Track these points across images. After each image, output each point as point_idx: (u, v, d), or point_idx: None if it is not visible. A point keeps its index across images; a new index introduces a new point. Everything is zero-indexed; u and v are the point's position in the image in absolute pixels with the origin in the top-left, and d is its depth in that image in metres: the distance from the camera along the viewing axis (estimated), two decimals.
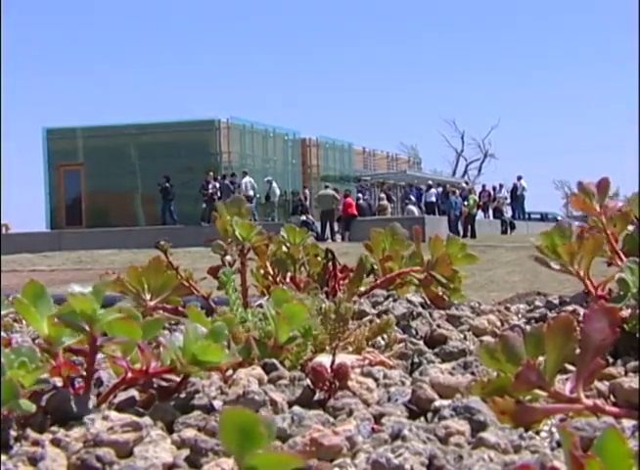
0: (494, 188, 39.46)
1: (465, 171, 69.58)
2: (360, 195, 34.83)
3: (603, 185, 2.37)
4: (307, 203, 33.42)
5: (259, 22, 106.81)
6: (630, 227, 2.37)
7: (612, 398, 1.54)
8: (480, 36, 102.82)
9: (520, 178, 38.25)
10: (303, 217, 30.25)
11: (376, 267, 2.47)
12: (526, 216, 41.27)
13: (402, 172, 46.67)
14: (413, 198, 38.08)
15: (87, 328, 1.43)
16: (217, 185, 31.55)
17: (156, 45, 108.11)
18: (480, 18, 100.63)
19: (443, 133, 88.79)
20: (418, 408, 1.47)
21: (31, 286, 1.47)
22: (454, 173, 67.08)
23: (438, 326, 2.25)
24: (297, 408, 1.41)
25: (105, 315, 1.43)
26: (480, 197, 37.65)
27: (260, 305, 2.13)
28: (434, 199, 37.03)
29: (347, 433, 1.26)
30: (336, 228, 31.16)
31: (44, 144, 36.90)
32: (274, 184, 34.51)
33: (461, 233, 30.84)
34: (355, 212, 31.01)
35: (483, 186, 40.84)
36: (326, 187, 33.00)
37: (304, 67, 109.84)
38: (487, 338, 2.10)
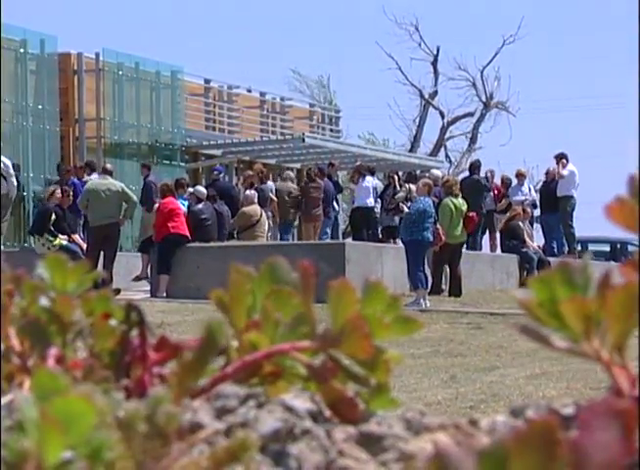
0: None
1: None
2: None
3: None
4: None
5: None
6: None
7: None
8: (480, 35, 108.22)
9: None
10: (62, 241, 16.50)
11: (235, 343, 1.39)
12: (576, 247, 21.55)
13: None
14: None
15: None
16: None
17: None
18: (480, 16, 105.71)
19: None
20: None
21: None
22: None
23: (341, 454, 1.28)
24: None
25: None
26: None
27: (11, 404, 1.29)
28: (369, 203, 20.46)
29: None
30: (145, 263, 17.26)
31: None
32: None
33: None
34: (186, 231, 16.24)
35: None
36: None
37: None
38: None
